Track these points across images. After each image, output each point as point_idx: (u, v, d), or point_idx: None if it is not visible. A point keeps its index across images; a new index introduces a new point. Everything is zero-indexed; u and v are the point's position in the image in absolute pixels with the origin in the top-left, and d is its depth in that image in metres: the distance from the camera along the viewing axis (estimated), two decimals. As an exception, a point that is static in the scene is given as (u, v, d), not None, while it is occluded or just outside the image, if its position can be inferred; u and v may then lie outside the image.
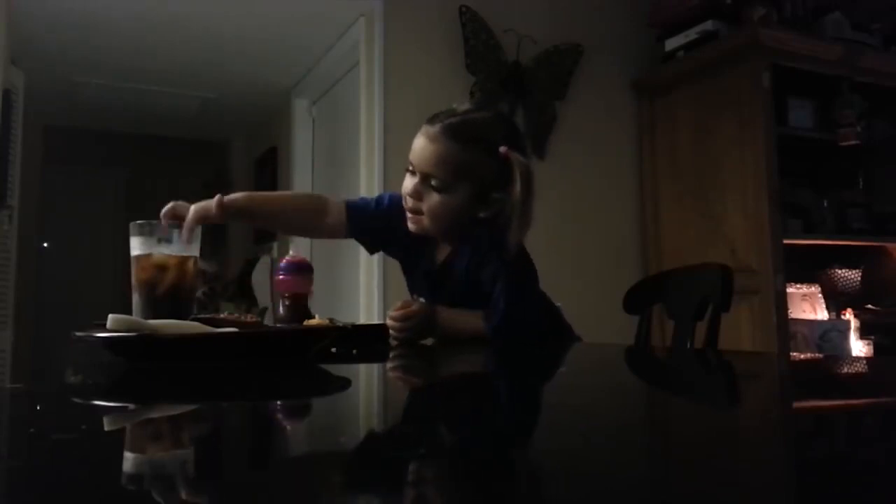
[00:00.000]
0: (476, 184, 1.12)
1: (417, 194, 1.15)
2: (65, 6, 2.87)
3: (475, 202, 1.13)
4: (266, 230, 4.13)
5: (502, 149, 1.11)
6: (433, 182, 1.13)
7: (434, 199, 1.13)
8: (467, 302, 1.21)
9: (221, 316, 0.87)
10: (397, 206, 1.22)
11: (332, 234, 1.33)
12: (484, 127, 1.16)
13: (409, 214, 1.17)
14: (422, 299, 1.25)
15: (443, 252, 1.25)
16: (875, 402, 0.60)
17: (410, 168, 1.16)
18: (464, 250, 1.20)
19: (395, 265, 1.43)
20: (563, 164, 2.78)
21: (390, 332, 1.18)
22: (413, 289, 1.33)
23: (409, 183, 1.16)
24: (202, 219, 1.07)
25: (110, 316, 0.78)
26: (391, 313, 1.19)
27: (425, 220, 1.16)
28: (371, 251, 1.41)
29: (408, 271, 1.35)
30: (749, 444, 0.41)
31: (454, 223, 1.16)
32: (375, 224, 1.27)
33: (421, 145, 1.14)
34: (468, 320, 1.20)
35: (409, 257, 1.31)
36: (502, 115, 1.32)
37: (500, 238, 1.12)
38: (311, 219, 1.30)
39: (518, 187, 1.09)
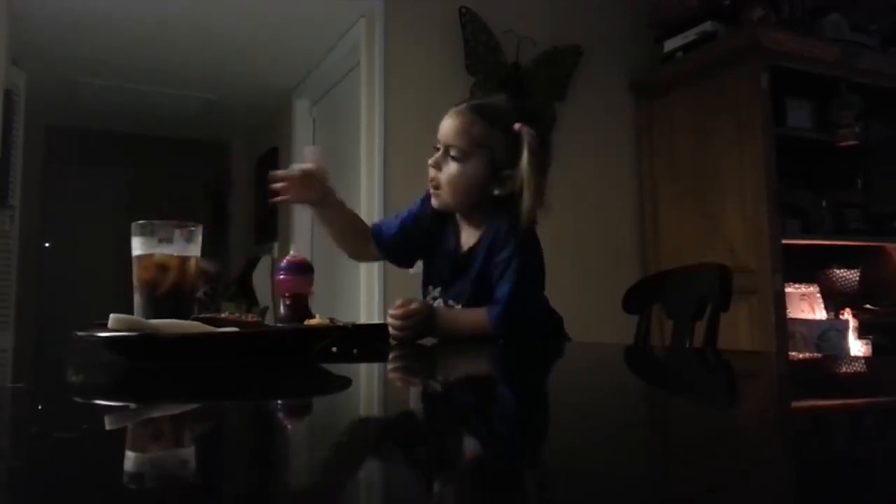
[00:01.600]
0: (491, 157, 1.21)
1: (437, 164, 1.24)
2: (66, 6, 2.87)
3: (490, 177, 1.21)
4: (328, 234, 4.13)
5: (516, 125, 1.19)
6: (452, 152, 1.22)
7: (452, 168, 1.22)
8: (482, 291, 1.23)
9: (222, 316, 0.87)
10: (425, 198, 1.32)
11: (370, 258, 1.44)
12: (503, 108, 1.26)
13: (431, 191, 1.26)
14: (435, 292, 1.29)
15: (469, 240, 1.28)
16: (874, 401, 0.60)
17: (438, 146, 1.25)
18: (486, 238, 1.24)
19: (394, 270, 1.45)
20: (562, 164, 2.77)
21: (390, 330, 1.19)
22: (430, 280, 1.35)
23: (432, 160, 1.27)
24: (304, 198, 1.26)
25: (112, 315, 0.79)
26: (392, 311, 1.19)
27: (444, 193, 1.24)
28: (403, 266, 1.46)
29: (431, 261, 1.37)
30: (748, 443, 0.41)
31: (470, 195, 1.23)
32: (397, 238, 1.35)
33: (446, 122, 1.25)
34: (468, 319, 1.21)
35: (433, 243, 1.35)
36: (523, 103, 1.38)
37: (516, 222, 1.18)
38: (361, 241, 1.39)
39: (525, 157, 1.17)
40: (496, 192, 1.21)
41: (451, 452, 0.39)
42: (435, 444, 0.42)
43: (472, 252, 1.26)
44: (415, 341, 1.19)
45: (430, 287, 1.32)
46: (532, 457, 0.37)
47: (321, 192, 1.30)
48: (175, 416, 0.53)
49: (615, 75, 2.95)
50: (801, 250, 2.55)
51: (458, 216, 1.32)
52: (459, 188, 1.23)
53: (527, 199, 1.17)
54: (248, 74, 3.72)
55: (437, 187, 1.25)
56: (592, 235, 2.82)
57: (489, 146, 1.21)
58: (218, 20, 3.07)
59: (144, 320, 0.81)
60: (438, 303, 1.29)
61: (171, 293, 0.92)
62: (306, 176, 1.28)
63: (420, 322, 1.18)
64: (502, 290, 1.18)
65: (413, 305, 1.19)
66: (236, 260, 4.80)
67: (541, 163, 1.19)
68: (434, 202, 1.27)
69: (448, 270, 1.30)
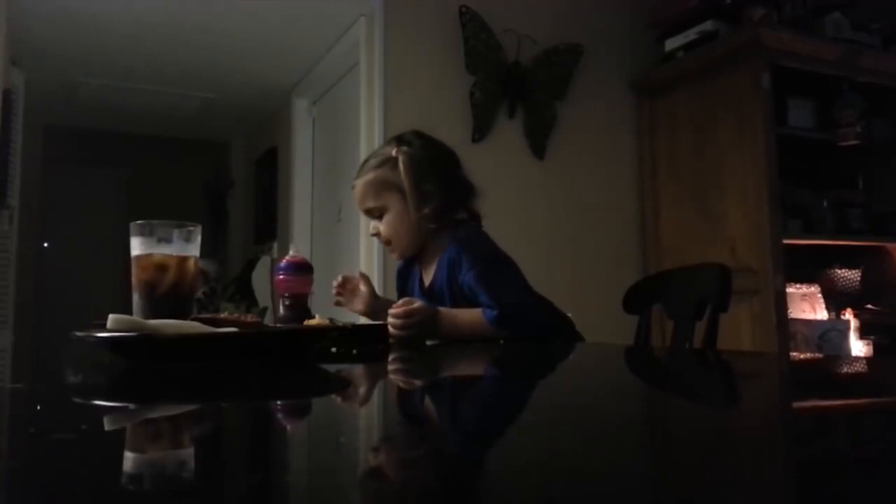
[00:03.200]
0: (400, 191, 1.29)
1: (375, 229, 1.34)
2: (65, 6, 2.87)
3: (406, 206, 1.29)
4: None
5: (393, 152, 1.30)
6: (374, 213, 1.32)
7: (383, 224, 1.32)
8: None
9: (222, 316, 0.87)
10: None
11: None
12: (379, 150, 1.36)
13: (389, 252, 1.39)
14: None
15: (430, 275, 1.34)
16: (875, 402, 0.60)
17: (365, 217, 1.37)
18: (441, 267, 1.28)
19: (394, 266, 1.47)
20: (562, 164, 2.78)
21: (390, 329, 1.18)
22: None
23: (371, 228, 1.37)
24: (354, 307, 1.41)
25: (111, 316, 0.78)
26: (392, 311, 1.19)
27: (395, 246, 1.34)
28: None
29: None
30: (749, 444, 0.41)
31: (413, 232, 1.31)
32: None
33: (354, 196, 1.35)
34: (470, 319, 1.22)
35: (405, 286, 1.44)
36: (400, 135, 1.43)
37: (460, 242, 1.25)
38: None
39: (402, 172, 1.27)
40: (424, 211, 1.28)
41: (450, 452, 0.39)
42: (433, 443, 0.42)
43: (434, 284, 1.32)
44: (416, 342, 1.18)
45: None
46: (532, 457, 0.37)
47: (368, 305, 1.39)
48: (174, 417, 0.53)
49: (616, 74, 2.95)
50: (802, 250, 2.55)
51: (423, 260, 1.38)
52: (400, 234, 1.31)
53: (409, 202, 1.27)
54: (247, 74, 3.72)
55: (387, 244, 1.35)
56: (593, 235, 2.82)
57: (392, 185, 1.29)
58: (217, 20, 3.06)
59: (143, 321, 0.80)
60: None
61: (169, 293, 0.91)
62: (354, 289, 1.41)
63: (421, 322, 1.18)
64: (483, 299, 1.21)
65: (415, 304, 1.19)
66: (236, 260, 4.80)
67: (414, 174, 1.27)
68: (396, 257, 1.39)
69: None
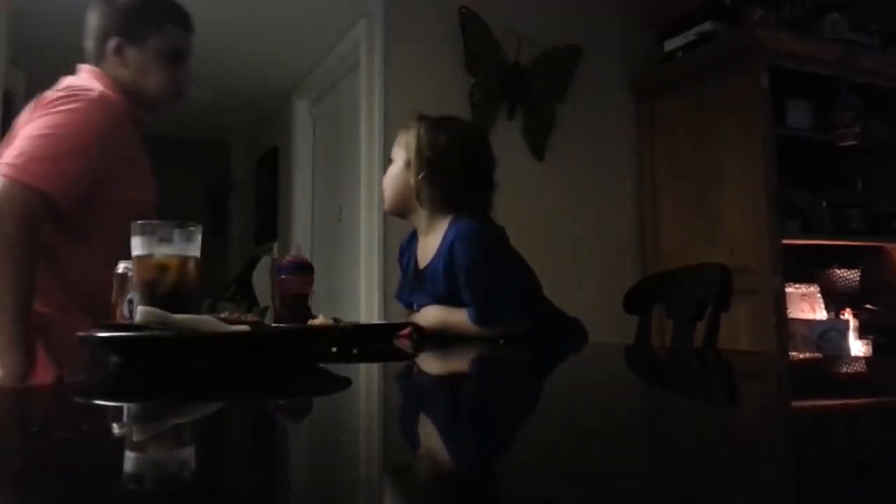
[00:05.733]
0: (407, 153, 1.37)
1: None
2: (65, 6, 2.86)
3: (407, 168, 1.37)
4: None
5: (417, 126, 1.38)
6: (390, 162, 1.42)
7: (387, 172, 1.43)
8: (450, 302, 1.29)
9: (221, 316, 0.87)
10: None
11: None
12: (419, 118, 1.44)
13: None
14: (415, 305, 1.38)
15: (425, 257, 1.35)
16: (875, 402, 0.60)
17: None
18: (440, 253, 1.30)
19: (394, 265, 1.48)
20: (562, 164, 2.78)
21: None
22: (401, 295, 1.46)
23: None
24: None
25: (140, 308, 0.79)
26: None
27: (384, 195, 1.43)
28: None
29: (403, 279, 1.48)
30: (749, 444, 0.41)
31: (394, 189, 1.39)
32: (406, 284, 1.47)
33: None
34: (457, 319, 1.26)
35: (401, 260, 1.48)
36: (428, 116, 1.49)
37: (465, 229, 1.27)
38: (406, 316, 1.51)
39: (408, 141, 1.37)
40: (412, 180, 1.35)
41: (449, 452, 0.39)
42: (432, 443, 0.42)
43: (428, 268, 1.33)
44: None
45: (416, 308, 1.40)
46: (531, 457, 0.37)
47: None
48: (175, 417, 0.53)
49: (615, 75, 2.95)
50: (801, 250, 2.55)
51: (419, 235, 1.40)
52: (387, 185, 1.41)
53: (415, 175, 1.34)
54: (248, 74, 3.72)
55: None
56: (592, 235, 2.82)
57: (406, 146, 1.38)
58: (218, 20, 3.06)
59: (171, 315, 0.80)
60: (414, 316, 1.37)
61: (170, 293, 0.91)
62: None
63: (427, 336, 1.27)
64: (465, 297, 1.25)
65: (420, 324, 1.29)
66: (237, 260, 4.80)
67: (423, 146, 1.34)
68: (385, 206, 1.46)
69: (411, 287, 1.40)
